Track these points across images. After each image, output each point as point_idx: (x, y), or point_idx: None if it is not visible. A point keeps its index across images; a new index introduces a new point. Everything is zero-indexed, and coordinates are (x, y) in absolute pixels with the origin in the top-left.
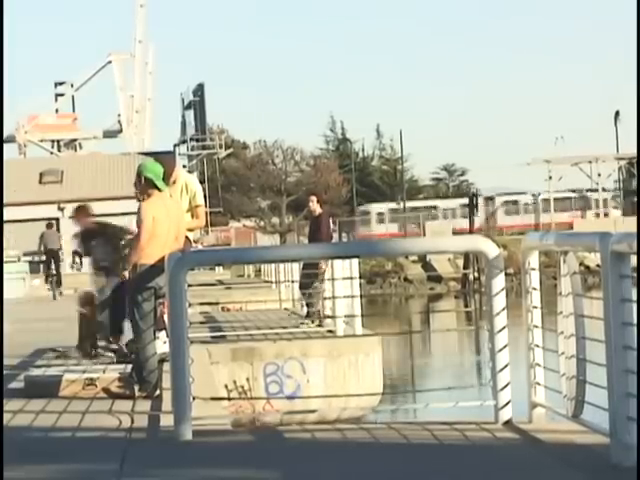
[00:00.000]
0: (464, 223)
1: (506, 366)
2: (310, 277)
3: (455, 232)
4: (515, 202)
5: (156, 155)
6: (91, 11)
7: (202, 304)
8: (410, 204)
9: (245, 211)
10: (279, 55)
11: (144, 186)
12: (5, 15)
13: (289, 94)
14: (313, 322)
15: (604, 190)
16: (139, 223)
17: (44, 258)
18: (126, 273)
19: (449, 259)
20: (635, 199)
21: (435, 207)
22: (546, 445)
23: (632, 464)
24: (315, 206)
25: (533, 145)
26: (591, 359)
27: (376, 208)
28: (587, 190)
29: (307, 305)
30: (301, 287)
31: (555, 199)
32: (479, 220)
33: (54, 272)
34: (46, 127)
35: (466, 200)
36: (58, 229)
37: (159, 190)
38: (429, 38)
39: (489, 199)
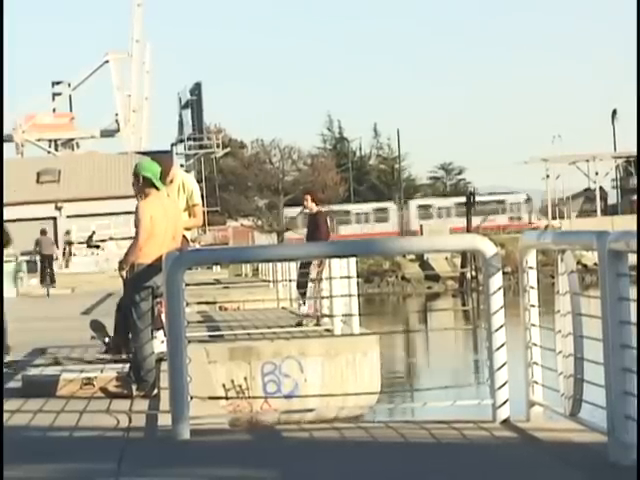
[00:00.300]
0: (378, 227)
1: (504, 365)
2: (307, 276)
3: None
4: (429, 206)
5: (154, 154)
6: (88, 11)
7: (200, 303)
8: (324, 208)
9: (243, 210)
10: (277, 54)
11: (142, 185)
12: (4, 15)
13: (287, 93)
14: (311, 321)
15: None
16: (137, 223)
17: (39, 260)
18: (124, 273)
19: (446, 258)
20: (633, 197)
21: (348, 212)
22: (544, 444)
23: (630, 463)
24: (310, 204)
25: (531, 144)
26: (589, 358)
27: (289, 212)
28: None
29: (304, 304)
30: (298, 286)
31: (476, 202)
32: (392, 225)
33: (48, 272)
34: (43, 126)
35: (380, 204)
36: (56, 229)
37: (157, 189)
38: (427, 38)
39: (404, 203)
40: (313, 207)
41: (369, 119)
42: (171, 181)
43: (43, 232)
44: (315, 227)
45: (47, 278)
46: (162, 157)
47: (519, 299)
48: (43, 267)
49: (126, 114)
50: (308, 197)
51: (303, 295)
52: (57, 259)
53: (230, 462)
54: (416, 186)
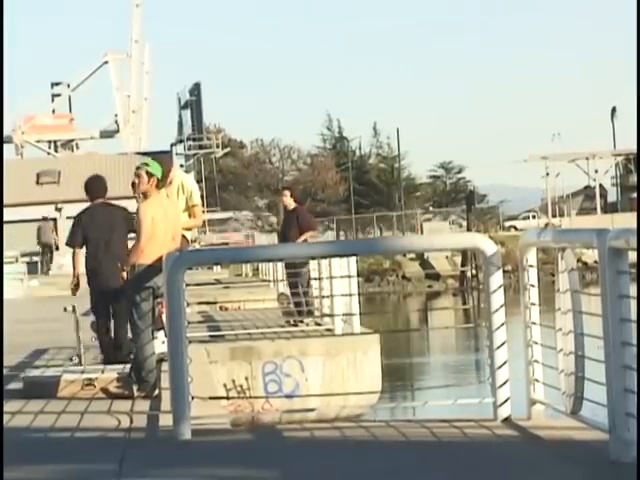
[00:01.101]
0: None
1: (504, 363)
2: (294, 277)
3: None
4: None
5: (153, 155)
6: (87, 11)
7: (200, 303)
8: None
9: (242, 210)
10: (276, 54)
11: (151, 185)
12: (4, 15)
13: (286, 93)
14: (311, 320)
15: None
16: (138, 224)
17: (40, 251)
18: (124, 274)
19: (447, 257)
20: (633, 195)
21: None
22: (545, 442)
23: (631, 460)
24: (289, 200)
25: (530, 142)
26: (589, 355)
27: None
28: None
29: (295, 305)
30: (290, 287)
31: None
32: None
33: (47, 259)
34: (43, 128)
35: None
36: (56, 230)
37: (158, 190)
38: (426, 37)
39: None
40: (291, 203)
41: (369, 118)
42: (170, 182)
43: (44, 219)
44: (295, 222)
45: (44, 265)
46: (162, 158)
47: (519, 297)
48: (43, 256)
49: (125, 115)
50: (287, 193)
51: (294, 295)
52: (58, 249)
53: (231, 462)
54: (416, 185)
